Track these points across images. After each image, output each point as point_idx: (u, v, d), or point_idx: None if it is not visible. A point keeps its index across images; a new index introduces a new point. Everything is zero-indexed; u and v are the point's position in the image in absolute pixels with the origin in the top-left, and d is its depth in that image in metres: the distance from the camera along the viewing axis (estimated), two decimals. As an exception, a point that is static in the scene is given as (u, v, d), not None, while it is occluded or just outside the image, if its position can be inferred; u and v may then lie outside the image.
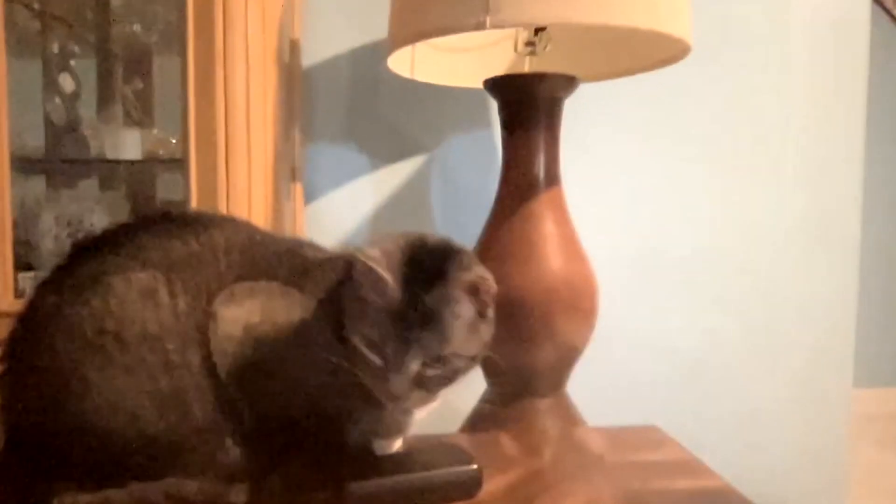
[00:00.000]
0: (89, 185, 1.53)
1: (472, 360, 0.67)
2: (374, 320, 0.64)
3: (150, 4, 1.52)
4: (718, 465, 0.82)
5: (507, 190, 1.29)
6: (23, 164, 1.35)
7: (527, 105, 1.26)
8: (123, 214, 1.44)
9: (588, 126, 1.65)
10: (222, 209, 1.20)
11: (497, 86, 1.28)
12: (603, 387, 1.63)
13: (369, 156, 1.65)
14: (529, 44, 1.31)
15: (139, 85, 1.53)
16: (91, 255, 0.69)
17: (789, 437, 1.75)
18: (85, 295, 0.66)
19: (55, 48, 1.49)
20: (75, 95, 1.49)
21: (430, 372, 0.64)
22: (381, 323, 0.63)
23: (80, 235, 1.35)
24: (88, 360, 0.64)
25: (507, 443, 0.92)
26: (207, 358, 0.66)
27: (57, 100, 1.47)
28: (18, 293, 1.23)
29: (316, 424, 0.69)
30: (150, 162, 1.45)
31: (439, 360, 0.64)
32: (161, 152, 1.43)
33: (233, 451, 0.67)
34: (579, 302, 1.25)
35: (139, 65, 1.54)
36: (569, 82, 1.25)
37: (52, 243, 1.37)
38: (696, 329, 1.72)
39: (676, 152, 1.69)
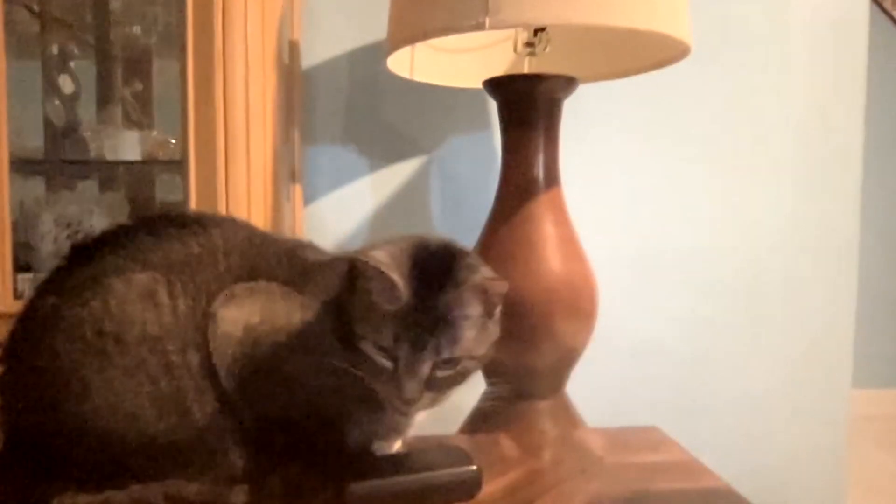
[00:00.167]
0: (89, 187, 1.53)
1: (480, 360, 0.67)
2: (384, 324, 0.64)
3: (150, 6, 1.52)
4: (718, 466, 0.82)
5: (506, 190, 1.29)
6: (22, 166, 1.35)
7: (526, 106, 1.26)
8: (123, 216, 1.44)
9: (588, 126, 1.65)
10: (222, 210, 1.20)
11: (496, 86, 1.28)
12: (603, 387, 1.63)
13: (369, 157, 1.65)
14: (529, 44, 1.32)
15: (139, 86, 1.53)
16: (90, 256, 0.69)
17: (788, 437, 1.75)
18: (84, 296, 0.66)
19: (55, 49, 1.49)
20: (75, 97, 1.49)
21: (441, 373, 0.64)
22: (391, 326, 0.63)
23: (80, 237, 1.35)
24: (88, 361, 0.64)
25: (506, 444, 0.92)
26: (207, 359, 0.66)
27: (56, 101, 1.47)
28: (18, 294, 1.23)
29: (316, 425, 0.69)
30: (150, 163, 1.45)
31: (450, 361, 0.64)
32: (160, 154, 1.43)
33: (233, 452, 0.67)
34: (579, 302, 1.25)
35: (139, 66, 1.54)
36: (568, 83, 1.25)
37: (52, 244, 1.37)
38: (695, 330, 1.72)
39: (676, 152, 1.69)
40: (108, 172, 1.51)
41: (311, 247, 0.77)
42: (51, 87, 1.47)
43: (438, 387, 0.65)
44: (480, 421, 1.30)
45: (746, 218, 1.71)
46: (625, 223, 1.69)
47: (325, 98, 1.63)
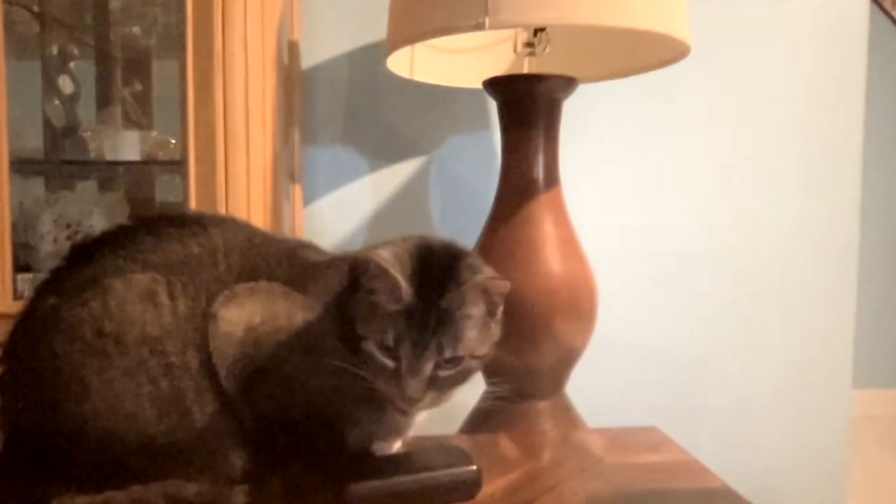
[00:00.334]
0: (88, 187, 1.53)
1: (482, 359, 0.67)
2: (387, 324, 0.64)
3: (150, 7, 1.52)
4: (718, 466, 0.82)
5: (506, 191, 1.29)
6: (22, 166, 1.35)
7: (526, 106, 1.26)
8: (122, 216, 1.44)
9: (588, 126, 1.65)
10: (221, 210, 1.20)
11: (496, 86, 1.28)
12: (603, 388, 1.63)
13: (368, 157, 1.65)
14: (529, 44, 1.32)
15: (138, 87, 1.53)
16: (90, 256, 0.69)
17: (788, 438, 1.75)
18: (84, 296, 0.66)
19: (54, 50, 1.49)
20: (74, 97, 1.49)
21: (443, 373, 0.65)
22: (394, 326, 0.63)
23: (80, 237, 1.35)
24: (88, 361, 0.64)
25: (506, 444, 0.92)
26: (207, 359, 0.66)
27: (56, 102, 1.47)
28: (17, 295, 1.23)
29: (316, 425, 0.69)
30: (150, 163, 1.45)
31: (452, 360, 0.64)
32: (160, 154, 1.43)
33: (233, 453, 0.67)
34: (579, 303, 1.25)
35: (138, 67, 1.54)
36: (568, 83, 1.25)
37: (51, 245, 1.37)
38: (695, 330, 1.72)
39: (675, 152, 1.69)
40: (107, 173, 1.51)
41: (311, 247, 0.76)
42: (51, 88, 1.47)
43: (440, 386, 0.65)
44: (480, 421, 1.30)
45: (746, 218, 1.71)
46: (625, 223, 1.69)
47: (324, 98, 1.63)
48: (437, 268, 0.66)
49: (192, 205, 1.21)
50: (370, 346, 0.65)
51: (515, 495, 0.74)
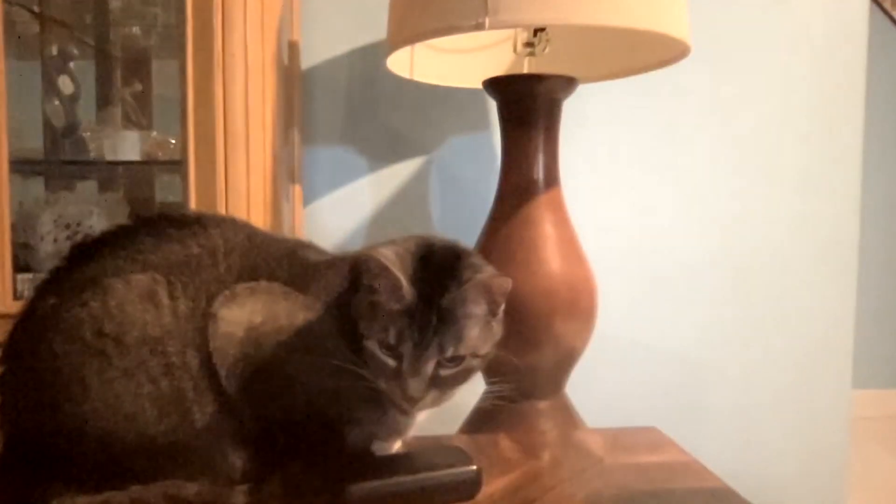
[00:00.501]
0: (88, 187, 1.53)
1: (484, 358, 0.67)
2: (388, 322, 0.64)
3: (149, 7, 1.52)
4: (717, 467, 0.82)
5: (506, 191, 1.29)
6: (22, 166, 1.35)
7: (526, 106, 1.26)
8: (122, 216, 1.44)
9: (588, 126, 1.65)
10: (221, 211, 1.20)
11: (496, 86, 1.28)
12: (602, 388, 1.63)
13: (368, 157, 1.65)
14: (528, 44, 1.32)
15: (138, 87, 1.53)
16: (90, 256, 0.69)
17: (788, 438, 1.75)
18: (84, 297, 0.66)
19: (54, 50, 1.49)
20: (74, 97, 1.49)
21: (445, 372, 0.65)
22: (395, 325, 0.63)
23: (79, 237, 1.35)
24: (87, 361, 0.64)
25: (506, 444, 0.92)
26: (207, 360, 0.66)
27: (56, 102, 1.47)
28: (17, 295, 1.23)
29: (317, 426, 0.69)
30: (149, 164, 1.45)
31: (454, 359, 0.64)
32: (160, 154, 1.43)
33: (232, 453, 0.67)
34: (579, 303, 1.25)
35: (138, 67, 1.54)
36: (568, 83, 1.25)
37: (51, 245, 1.37)
38: (694, 330, 1.72)
39: (675, 152, 1.69)
40: (107, 173, 1.51)
41: (312, 247, 0.77)
42: (51, 88, 1.47)
43: (442, 385, 0.65)
44: (480, 421, 1.30)
45: (746, 218, 1.71)
46: (624, 223, 1.69)
47: (324, 98, 1.63)
48: (438, 267, 0.66)
49: (192, 205, 1.21)
50: (372, 345, 0.65)
51: (515, 495, 0.74)
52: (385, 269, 0.63)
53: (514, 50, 1.35)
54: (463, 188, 1.66)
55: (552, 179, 1.28)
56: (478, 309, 0.66)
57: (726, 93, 1.69)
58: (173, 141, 1.40)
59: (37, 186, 1.49)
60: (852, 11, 1.70)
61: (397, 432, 0.74)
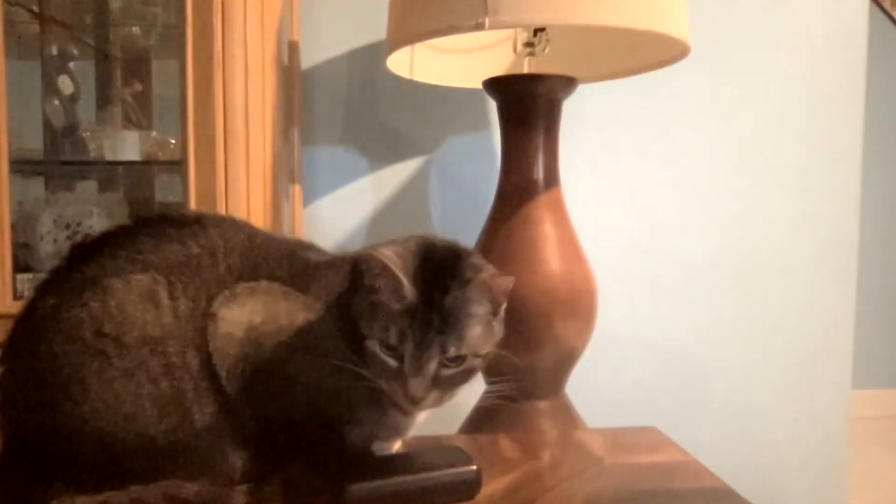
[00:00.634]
0: (88, 187, 1.53)
1: (485, 358, 0.67)
2: (390, 323, 0.64)
3: (150, 6, 1.52)
4: (717, 466, 0.82)
5: (506, 191, 1.29)
6: (22, 166, 1.35)
7: (526, 106, 1.26)
8: (122, 216, 1.44)
9: (588, 126, 1.65)
10: (221, 210, 1.20)
11: (496, 86, 1.28)
12: (602, 388, 1.63)
13: (368, 157, 1.65)
14: (528, 44, 1.32)
15: (138, 87, 1.53)
16: (90, 257, 0.69)
17: (788, 438, 1.75)
18: (84, 297, 0.66)
19: (54, 50, 1.49)
20: (74, 97, 1.49)
21: (447, 372, 0.65)
22: (397, 325, 0.63)
23: (79, 237, 1.35)
24: (88, 362, 0.64)
25: (506, 444, 0.92)
26: (207, 360, 0.66)
27: (56, 102, 1.47)
28: (17, 295, 1.23)
29: (317, 426, 0.69)
30: (149, 164, 1.45)
31: (456, 359, 0.64)
32: (160, 154, 1.43)
33: (232, 453, 0.67)
34: (579, 303, 1.25)
35: (138, 67, 1.54)
36: (568, 83, 1.25)
37: (51, 245, 1.37)
38: (695, 330, 1.72)
39: (675, 153, 1.69)
40: (107, 173, 1.51)
41: (312, 247, 0.76)
42: (50, 88, 1.47)
43: (444, 385, 0.65)
44: (480, 421, 1.30)
45: (746, 218, 1.71)
46: (625, 223, 1.69)
47: (324, 98, 1.63)
48: (439, 267, 0.66)
49: (192, 205, 1.21)
50: (373, 346, 0.65)
51: (515, 495, 0.74)
52: (386, 269, 0.63)
53: (514, 50, 1.35)
54: (463, 188, 1.66)
55: (552, 179, 1.28)
56: (480, 308, 0.66)
57: (726, 93, 1.69)
58: (173, 141, 1.40)
59: (37, 186, 1.49)
60: (852, 11, 1.70)
61: (397, 432, 0.74)
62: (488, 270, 0.67)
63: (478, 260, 0.69)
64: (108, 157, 1.42)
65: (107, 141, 1.42)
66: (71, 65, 1.50)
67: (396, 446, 0.76)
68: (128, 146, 1.42)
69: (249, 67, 1.22)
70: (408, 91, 1.58)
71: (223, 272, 0.69)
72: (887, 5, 3.04)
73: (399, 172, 1.66)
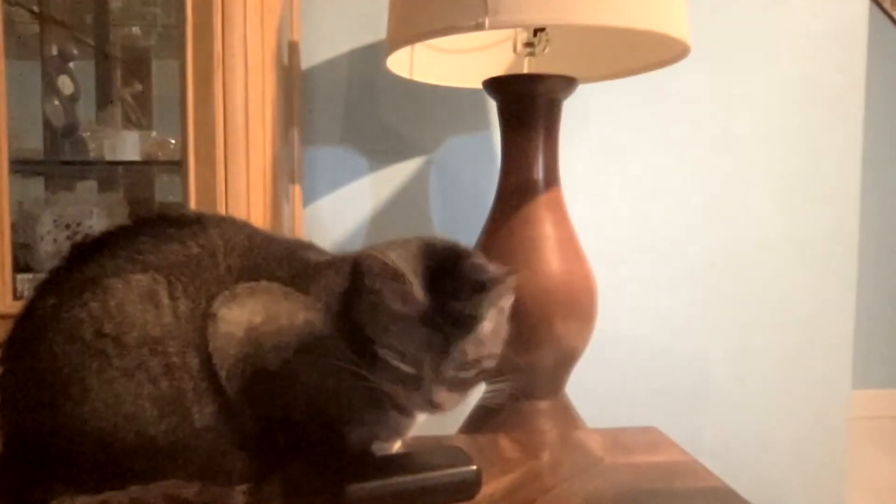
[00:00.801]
0: (88, 187, 1.53)
1: (496, 357, 0.67)
2: (403, 329, 0.63)
3: (149, 7, 1.52)
4: (717, 466, 0.82)
5: (506, 191, 1.29)
6: (21, 166, 1.35)
7: (526, 106, 1.26)
8: (122, 216, 1.45)
9: (588, 126, 1.65)
10: (221, 210, 1.20)
11: (496, 86, 1.28)
12: (602, 388, 1.63)
13: (368, 157, 1.65)
14: (528, 44, 1.32)
15: (138, 87, 1.54)
16: (90, 257, 0.69)
17: (788, 438, 1.75)
18: (84, 297, 0.65)
19: (54, 50, 1.49)
20: (74, 98, 1.49)
21: (465, 374, 0.64)
22: (410, 332, 0.62)
23: (79, 237, 1.35)
24: (87, 362, 0.64)
25: (506, 444, 0.92)
26: (208, 360, 0.66)
27: (56, 102, 1.47)
28: (17, 295, 1.23)
29: (317, 426, 0.69)
30: (149, 164, 1.45)
31: (473, 362, 0.64)
32: (160, 154, 1.43)
33: (232, 454, 0.67)
34: (578, 303, 1.25)
35: (138, 67, 1.54)
36: (568, 83, 1.26)
37: (51, 245, 1.37)
38: (694, 331, 1.72)
39: (675, 152, 1.69)
40: (107, 173, 1.51)
41: (312, 247, 0.76)
42: (50, 88, 1.47)
43: (462, 387, 0.65)
44: (480, 421, 1.30)
45: (746, 218, 1.71)
46: (624, 224, 1.69)
47: (324, 98, 1.63)
48: (441, 268, 0.65)
49: (192, 205, 1.21)
50: (385, 353, 0.63)
51: (515, 495, 0.74)
52: (395, 272, 0.62)
53: (514, 50, 1.35)
54: (463, 188, 1.66)
55: (552, 179, 1.28)
56: (493, 310, 0.65)
57: (726, 93, 1.69)
58: (173, 141, 1.41)
59: (37, 186, 1.49)
60: (852, 11, 1.70)
61: (397, 433, 0.74)
62: (490, 270, 0.67)
63: (479, 260, 0.68)
64: (108, 157, 1.42)
65: (107, 141, 1.43)
66: (71, 65, 1.50)
67: (396, 446, 0.76)
68: (128, 146, 1.42)
69: (249, 67, 1.22)
70: (408, 91, 1.58)
71: (223, 272, 0.69)
72: (887, 5, 3.04)
73: (399, 172, 1.66)
